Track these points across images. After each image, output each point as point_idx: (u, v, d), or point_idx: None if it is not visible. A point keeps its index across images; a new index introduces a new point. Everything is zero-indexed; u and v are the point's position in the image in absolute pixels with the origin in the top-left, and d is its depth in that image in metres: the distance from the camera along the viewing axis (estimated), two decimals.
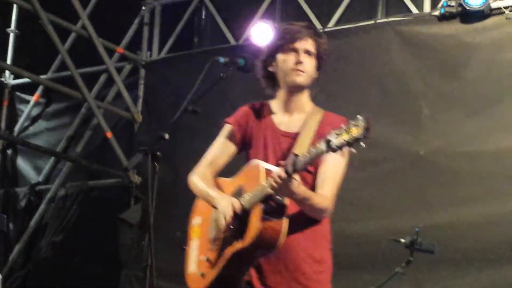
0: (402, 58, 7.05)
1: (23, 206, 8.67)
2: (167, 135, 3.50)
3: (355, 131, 3.08)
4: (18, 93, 9.10)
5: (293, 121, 3.73)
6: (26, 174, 8.90)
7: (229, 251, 3.50)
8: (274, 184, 3.31)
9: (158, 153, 3.45)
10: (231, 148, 3.80)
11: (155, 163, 3.44)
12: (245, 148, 3.79)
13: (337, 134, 3.12)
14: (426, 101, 6.82)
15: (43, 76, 8.62)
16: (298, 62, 3.67)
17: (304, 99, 3.75)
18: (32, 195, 8.69)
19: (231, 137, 3.80)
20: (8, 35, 8.77)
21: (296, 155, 3.30)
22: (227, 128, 3.84)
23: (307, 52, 3.70)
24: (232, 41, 8.16)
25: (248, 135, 3.77)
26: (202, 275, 3.65)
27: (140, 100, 8.52)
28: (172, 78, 8.22)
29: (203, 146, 8.36)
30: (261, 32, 7.58)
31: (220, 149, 3.82)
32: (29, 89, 8.98)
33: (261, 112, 3.80)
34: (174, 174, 7.88)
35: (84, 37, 8.23)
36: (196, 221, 3.88)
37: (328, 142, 3.13)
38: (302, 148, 3.50)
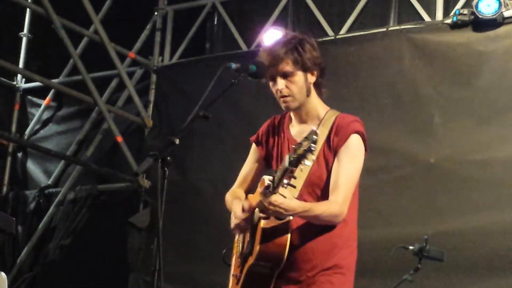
0: (414, 66, 7.04)
1: (32, 209, 8.69)
2: (178, 140, 3.49)
3: (306, 144, 3.16)
4: (29, 97, 9.13)
5: (306, 128, 3.67)
6: (35, 177, 8.93)
7: (246, 267, 3.58)
8: (261, 206, 3.41)
9: (168, 158, 3.45)
10: (258, 166, 3.91)
11: (165, 168, 3.43)
12: (269, 163, 3.86)
13: (295, 149, 3.19)
14: (438, 109, 6.81)
15: (54, 80, 8.64)
16: (276, 91, 3.67)
17: (313, 107, 3.73)
18: (41, 198, 8.71)
19: (256, 155, 3.91)
20: (20, 39, 8.80)
21: (276, 172, 3.37)
22: (252, 147, 3.94)
23: (285, 75, 3.65)
24: (244, 47, 8.17)
25: (269, 150, 3.84)
26: None
27: (151, 105, 8.53)
28: (184, 84, 8.23)
29: (213, 152, 8.43)
30: (272, 39, 7.59)
31: (249, 167, 3.93)
32: (40, 92, 9.01)
33: (280, 125, 3.84)
34: (183, 179, 7.90)
35: (96, 41, 8.25)
36: (236, 238, 3.96)
37: (289, 158, 3.21)
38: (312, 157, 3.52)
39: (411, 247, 5.54)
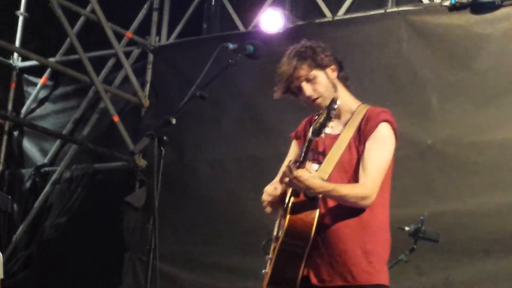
0: (412, 48, 7.02)
1: (28, 188, 8.69)
2: (174, 120, 3.50)
3: (324, 114, 3.41)
4: (26, 76, 9.11)
5: (339, 123, 3.81)
6: (32, 156, 8.92)
7: (277, 246, 3.66)
8: (285, 178, 3.54)
9: (164, 137, 3.45)
10: None
11: (162, 148, 3.44)
12: None
13: (316, 120, 3.45)
14: (435, 91, 6.79)
15: (51, 59, 8.62)
16: (307, 98, 3.79)
17: (344, 102, 3.80)
18: (38, 177, 8.71)
19: (295, 150, 3.99)
20: (17, 17, 8.77)
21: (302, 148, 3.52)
22: (292, 143, 4.04)
23: (307, 79, 3.77)
24: (242, 28, 8.14)
25: None
26: (266, 273, 3.80)
27: (148, 85, 8.52)
28: (181, 64, 8.21)
29: (210, 132, 8.40)
30: (270, 19, 7.57)
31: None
32: (37, 71, 8.99)
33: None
34: (180, 158, 7.91)
35: (93, 21, 8.22)
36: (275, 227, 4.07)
37: (311, 130, 3.43)
38: (339, 149, 3.65)
39: (407, 228, 5.54)
